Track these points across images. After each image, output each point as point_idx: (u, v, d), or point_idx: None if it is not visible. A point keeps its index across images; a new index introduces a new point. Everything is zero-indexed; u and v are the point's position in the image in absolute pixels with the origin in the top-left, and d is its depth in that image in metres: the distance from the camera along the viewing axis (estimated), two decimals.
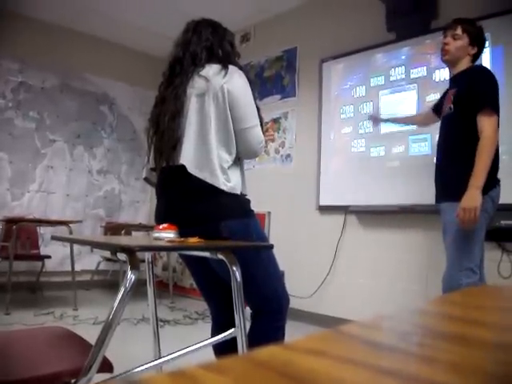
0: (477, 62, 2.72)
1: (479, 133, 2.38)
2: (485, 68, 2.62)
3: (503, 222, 3.13)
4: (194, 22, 2.03)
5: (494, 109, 2.41)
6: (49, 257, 4.95)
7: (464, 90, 2.48)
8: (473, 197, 2.29)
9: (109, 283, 5.66)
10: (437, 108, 2.89)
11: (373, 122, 3.68)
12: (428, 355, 0.30)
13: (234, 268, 1.53)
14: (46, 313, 4.08)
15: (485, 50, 3.38)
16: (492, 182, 2.41)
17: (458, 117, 2.50)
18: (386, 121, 3.54)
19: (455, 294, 0.57)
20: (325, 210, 4.42)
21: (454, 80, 2.63)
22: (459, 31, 2.60)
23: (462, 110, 2.46)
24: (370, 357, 0.29)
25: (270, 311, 1.87)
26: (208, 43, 1.94)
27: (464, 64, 2.61)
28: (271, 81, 5.19)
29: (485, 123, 2.37)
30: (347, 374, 0.26)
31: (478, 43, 2.64)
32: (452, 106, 2.52)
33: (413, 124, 3.43)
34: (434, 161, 2.73)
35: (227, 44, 2.01)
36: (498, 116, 2.42)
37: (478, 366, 0.28)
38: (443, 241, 2.56)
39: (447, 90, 2.74)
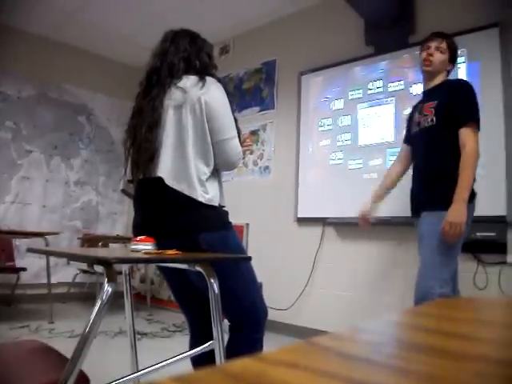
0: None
1: (461, 146, 2.41)
2: (467, 82, 2.65)
3: (479, 234, 3.17)
4: (173, 32, 2.02)
5: (477, 123, 2.45)
6: (24, 269, 4.87)
7: (447, 102, 2.49)
8: (460, 211, 2.31)
9: (85, 296, 5.58)
10: (408, 138, 2.87)
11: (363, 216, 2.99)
12: (402, 367, 0.31)
13: (212, 280, 1.53)
14: (22, 326, 4.00)
15: (460, 65, 3.49)
16: (472, 195, 2.43)
17: (441, 128, 2.50)
18: (374, 202, 3.01)
19: (429, 305, 0.58)
20: (303, 221, 4.43)
21: (430, 93, 2.65)
22: (444, 45, 2.64)
23: (446, 122, 2.48)
24: (342, 369, 0.30)
25: (248, 323, 1.87)
26: (185, 54, 1.94)
27: (440, 78, 2.65)
28: (250, 93, 5.21)
29: (468, 137, 2.40)
30: None
31: (453, 62, 2.71)
32: (434, 118, 2.53)
33: (398, 180, 2.96)
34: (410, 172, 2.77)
35: (205, 55, 2.00)
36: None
37: (454, 377, 0.28)
38: (418, 249, 2.57)
39: (419, 104, 2.75)
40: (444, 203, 2.35)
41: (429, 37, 2.71)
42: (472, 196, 2.44)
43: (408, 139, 2.87)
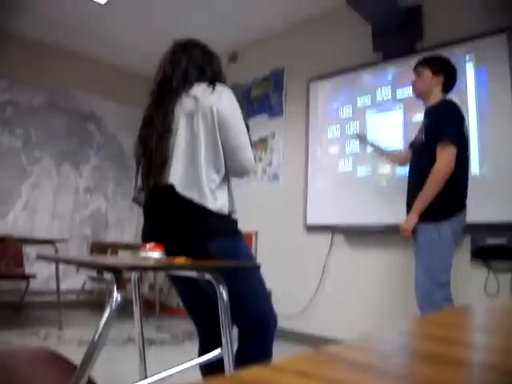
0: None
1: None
2: (449, 102, 2.75)
3: (489, 241, 3.16)
4: (182, 43, 2.03)
5: (452, 140, 2.58)
6: (34, 276, 4.90)
7: (431, 123, 2.70)
8: (409, 220, 2.65)
9: (94, 303, 5.59)
10: (411, 146, 3.07)
11: (360, 140, 3.74)
12: (411, 376, 0.30)
13: (221, 288, 1.52)
14: (30, 333, 4.02)
15: (468, 70, 3.49)
16: (458, 207, 2.64)
17: (427, 146, 2.68)
18: (372, 145, 3.54)
19: (438, 313, 0.58)
20: (312, 229, 4.43)
21: (427, 112, 2.83)
22: (420, 68, 2.85)
23: (431, 140, 2.65)
24: (353, 378, 0.30)
25: (258, 331, 1.86)
26: (198, 62, 1.95)
27: (435, 95, 2.81)
28: (258, 101, 5.22)
29: (440, 153, 2.59)
30: None
31: (442, 71, 2.80)
32: (423, 136, 2.73)
33: (394, 162, 3.49)
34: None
35: (216, 65, 2.02)
36: (457, 146, 2.58)
37: None
38: (416, 257, 2.72)
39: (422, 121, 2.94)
40: (433, 215, 2.58)
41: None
42: (455, 210, 2.63)
43: (410, 146, 3.06)
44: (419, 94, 2.87)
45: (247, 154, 1.86)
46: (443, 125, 2.62)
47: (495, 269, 3.22)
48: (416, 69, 2.87)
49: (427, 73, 2.79)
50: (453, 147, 2.57)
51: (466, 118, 2.74)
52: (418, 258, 2.66)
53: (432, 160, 2.59)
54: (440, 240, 2.56)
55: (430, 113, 2.77)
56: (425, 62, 2.84)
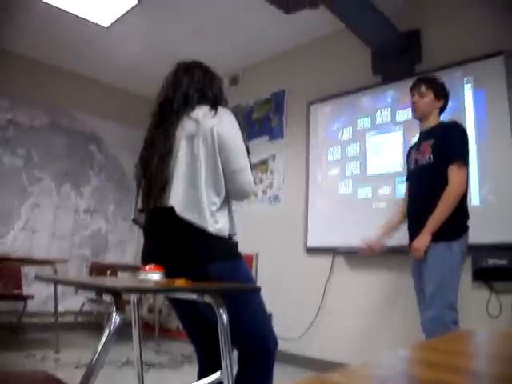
0: (446, 113, 2.94)
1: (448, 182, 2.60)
2: (458, 124, 2.77)
3: (490, 262, 3.15)
4: (185, 64, 2.04)
5: (465, 161, 2.63)
6: (31, 297, 4.86)
7: (440, 142, 2.68)
8: (421, 240, 2.58)
9: (93, 325, 5.54)
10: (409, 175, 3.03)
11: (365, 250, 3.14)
12: None
13: (221, 311, 1.51)
14: (27, 355, 3.97)
15: (466, 92, 3.53)
16: (465, 227, 2.65)
17: (437, 166, 2.66)
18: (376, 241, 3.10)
19: (439, 339, 0.57)
20: (313, 251, 4.41)
21: (428, 133, 2.81)
22: (423, 89, 2.84)
23: (441, 160, 2.64)
24: None
25: (258, 354, 1.84)
26: (199, 85, 1.96)
27: (433, 117, 2.83)
28: (259, 123, 5.26)
29: (453, 173, 2.59)
30: None
31: (442, 96, 2.86)
32: (432, 156, 2.70)
33: (397, 226, 3.07)
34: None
35: (217, 88, 2.03)
36: (467, 168, 2.64)
37: None
38: (424, 279, 2.66)
39: (416, 143, 2.93)
40: (445, 234, 2.56)
41: (411, 85, 2.93)
42: (463, 229, 2.65)
43: (407, 179, 3.05)
44: (421, 115, 2.86)
45: (247, 176, 1.86)
46: (456, 145, 2.64)
47: (497, 290, 3.20)
48: (417, 89, 2.85)
49: (430, 96, 2.81)
50: (465, 168, 2.61)
51: None
52: (427, 279, 2.62)
53: (443, 180, 2.59)
54: (451, 260, 2.55)
55: (436, 133, 2.74)
56: (428, 85, 2.84)
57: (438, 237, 2.56)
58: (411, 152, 2.96)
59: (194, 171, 1.80)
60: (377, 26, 3.81)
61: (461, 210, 2.62)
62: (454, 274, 2.56)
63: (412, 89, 2.90)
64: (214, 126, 1.80)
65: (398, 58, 4.01)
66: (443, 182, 2.59)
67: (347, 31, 3.89)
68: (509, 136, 3.28)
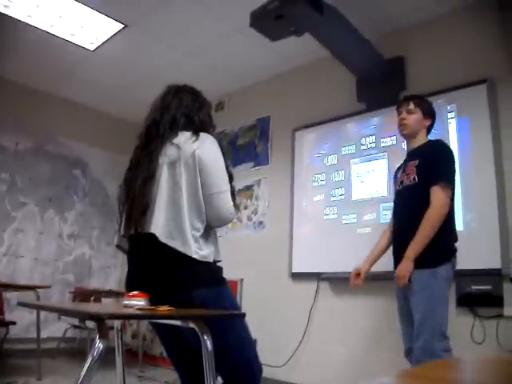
0: (433, 133, 2.90)
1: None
2: (443, 143, 2.77)
3: (474, 287, 3.17)
4: (176, 87, 2.05)
5: (450, 182, 2.56)
6: (13, 323, 4.77)
7: (424, 162, 2.62)
8: (403, 267, 2.48)
9: (76, 351, 5.44)
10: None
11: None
12: None
13: (205, 337, 1.50)
14: (9, 382, 3.88)
15: (450, 120, 3.58)
16: (452, 251, 2.57)
17: (422, 187, 2.58)
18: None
19: (424, 367, 0.58)
20: (297, 277, 4.40)
21: (414, 153, 2.76)
22: (412, 106, 2.78)
23: (427, 180, 2.57)
24: None
25: (243, 380, 1.83)
26: (187, 110, 1.96)
27: (421, 136, 2.78)
28: (244, 149, 5.28)
29: (434, 196, 2.51)
30: None
31: (430, 115, 2.82)
32: (416, 177, 2.63)
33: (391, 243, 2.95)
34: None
35: (206, 114, 2.03)
36: (452, 189, 2.57)
37: None
38: (405, 304, 2.62)
39: (405, 162, 2.84)
40: (429, 261, 2.47)
41: (398, 103, 2.89)
42: (450, 253, 2.56)
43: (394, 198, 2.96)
44: (410, 132, 2.78)
45: (225, 200, 1.85)
46: (441, 165, 2.58)
47: (481, 316, 3.21)
48: (406, 106, 2.79)
49: (419, 113, 2.77)
50: (449, 189, 2.54)
51: None
52: (414, 306, 2.52)
53: (428, 201, 2.50)
54: (437, 285, 2.45)
55: (421, 153, 2.68)
56: (416, 102, 2.78)
57: (421, 263, 2.47)
58: (397, 173, 2.89)
59: (176, 198, 1.79)
60: (362, 54, 3.86)
61: (447, 233, 2.53)
62: (442, 301, 2.46)
63: (400, 106, 2.84)
64: (195, 149, 1.80)
65: (383, 86, 4.07)
66: (428, 203, 2.50)
67: (332, 58, 3.94)
68: (492, 162, 3.33)
